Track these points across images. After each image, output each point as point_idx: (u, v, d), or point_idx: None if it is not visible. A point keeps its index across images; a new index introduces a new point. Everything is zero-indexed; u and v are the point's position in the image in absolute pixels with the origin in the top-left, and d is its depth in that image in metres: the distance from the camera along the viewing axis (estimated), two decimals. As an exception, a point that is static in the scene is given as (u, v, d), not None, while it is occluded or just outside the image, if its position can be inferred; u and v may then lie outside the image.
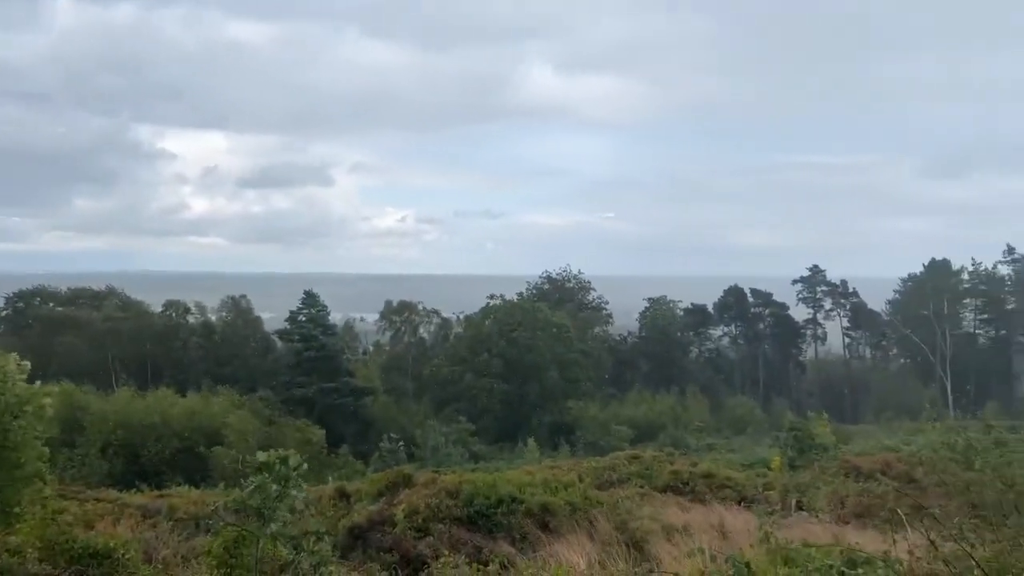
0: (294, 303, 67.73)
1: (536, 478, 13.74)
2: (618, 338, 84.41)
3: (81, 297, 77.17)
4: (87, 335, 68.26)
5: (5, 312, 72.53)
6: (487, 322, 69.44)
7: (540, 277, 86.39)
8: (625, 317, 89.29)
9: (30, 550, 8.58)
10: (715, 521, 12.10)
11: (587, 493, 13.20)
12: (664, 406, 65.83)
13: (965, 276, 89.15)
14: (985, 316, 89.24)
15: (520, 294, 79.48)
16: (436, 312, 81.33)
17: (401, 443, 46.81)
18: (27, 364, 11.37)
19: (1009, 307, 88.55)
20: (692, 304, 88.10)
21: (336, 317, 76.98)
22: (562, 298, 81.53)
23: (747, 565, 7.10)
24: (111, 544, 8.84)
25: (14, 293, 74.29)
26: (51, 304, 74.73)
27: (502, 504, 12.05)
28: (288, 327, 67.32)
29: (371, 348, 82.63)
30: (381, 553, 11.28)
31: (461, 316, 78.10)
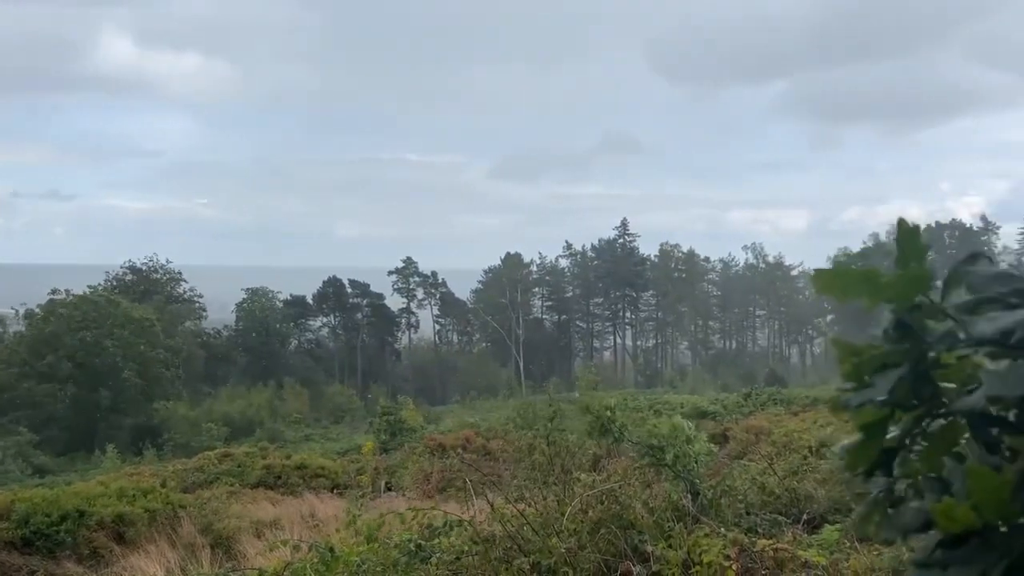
0: None
1: (111, 488, 12.49)
2: (212, 332, 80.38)
3: None
4: None
5: None
6: (52, 318, 61.21)
7: (122, 267, 78.57)
8: (222, 310, 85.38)
9: None
10: (306, 511, 12.15)
11: (170, 498, 12.36)
12: (261, 400, 64.29)
13: (534, 268, 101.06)
14: (550, 303, 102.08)
15: (96, 286, 71.43)
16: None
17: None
18: None
19: (568, 295, 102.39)
20: (291, 295, 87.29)
21: None
22: (148, 290, 75.16)
23: (331, 549, 7.24)
24: None
25: None
26: None
27: (66, 520, 10.76)
28: None
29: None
30: (-98, 598, 9.39)
31: (21, 312, 67.83)
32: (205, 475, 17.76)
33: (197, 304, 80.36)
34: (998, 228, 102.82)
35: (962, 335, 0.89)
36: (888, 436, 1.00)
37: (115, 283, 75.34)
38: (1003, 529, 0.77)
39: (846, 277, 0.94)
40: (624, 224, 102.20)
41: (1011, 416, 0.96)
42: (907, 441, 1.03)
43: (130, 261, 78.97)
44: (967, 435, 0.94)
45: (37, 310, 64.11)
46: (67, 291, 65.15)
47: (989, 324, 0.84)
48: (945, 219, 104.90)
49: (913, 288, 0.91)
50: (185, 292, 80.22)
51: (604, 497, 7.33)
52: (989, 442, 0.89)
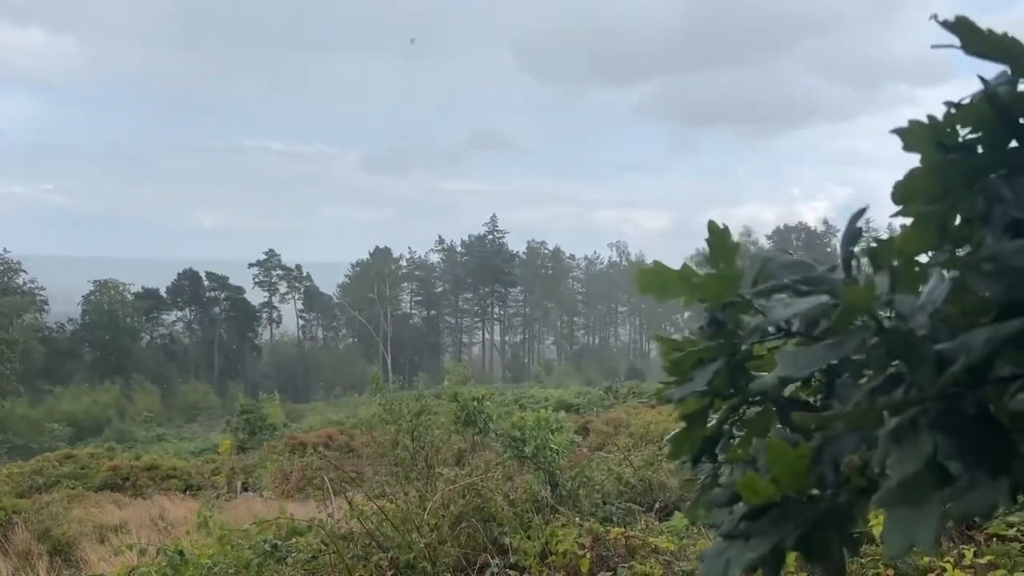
0: None
1: (-68, 494, 11.48)
2: (55, 326, 75.18)
3: None
4: None
5: None
6: None
7: (-49, 256, 72.22)
8: (66, 302, 79.99)
9: None
10: (156, 514, 11.60)
11: (3, 503, 11.49)
12: (109, 398, 60.75)
13: (403, 263, 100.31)
14: (419, 298, 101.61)
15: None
16: None
17: None
18: None
19: (437, 290, 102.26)
20: (144, 288, 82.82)
21: None
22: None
23: (180, 552, 6.95)
24: None
25: None
26: None
27: None
28: None
29: None
30: None
31: None
32: (44, 478, 16.60)
33: (38, 296, 74.90)
34: (838, 231, 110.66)
35: (771, 328, 0.96)
36: (709, 425, 1.07)
37: (-58, 273, 69.16)
38: (799, 500, 0.83)
39: (664, 277, 0.99)
40: (493, 220, 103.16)
41: (811, 399, 1.04)
42: (726, 428, 1.10)
43: (-38, 249, 72.64)
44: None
45: None
46: None
47: (782, 309, 0.91)
48: (793, 222, 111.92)
49: (723, 286, 0.97)
50: (24, 283, 74.61)
51: (466, 491, 7.39)
52: (792, 425, 0.96)
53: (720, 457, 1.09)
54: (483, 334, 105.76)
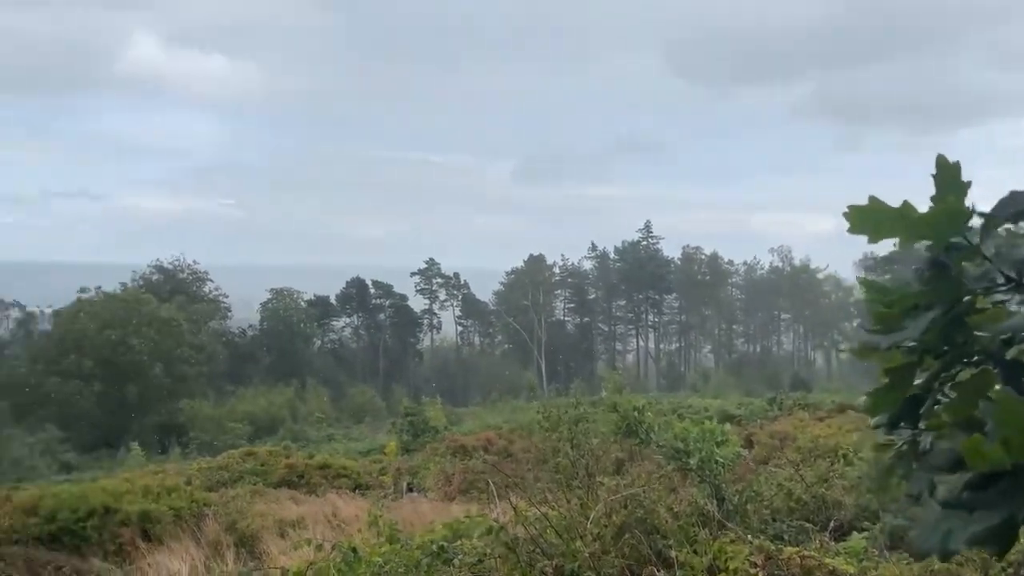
0: None
1: (136, 485, 12.59)
2: (237, 331, 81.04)
3: None
4: None
5: None
6: (81, 316, 62.03)
7: (149, 267, 79.41)
8: (246, 309, 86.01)
9: None
10: (329, 511, 12.18)
11: (195, 496, 12.44)
12: (284, 400, 64.65)
13: (556, 270, 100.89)
14: (572, 305, 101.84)
15: (124, 285, 72.34)
16: (18, 305, 70.71)
17: (-32, 459, 40.01)
18: None
19: (591, 297, 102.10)
20: (315, 295, 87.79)
21: None
22: (175, 290, 75.87)
23: (354, 550, 7.25)
24: None
25: None
26: None
27: (92, 517, 10.86)
28: None
29: (-70, 348, 69.35)
30: (-68, 591, 9.51)
31: (49, 310, 68.80)
32: (229, 474, 17.86)
33: (222, 304, 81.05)
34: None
35: (1000, 279, 0.84)
36: (915, 383, 0.95)
37: (142, 282, 76.16)
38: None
39: (879, 214, 0.90)
40: (647, 226, 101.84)
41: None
42: (935, 388, 0.97)
43: (157, 260, 79.82)
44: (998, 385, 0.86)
45: (65, 308, 65.01)
46: (96, 289, 66.06)
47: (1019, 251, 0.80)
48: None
49: (950, 224, 0.86)
50: (210, 292, 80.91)
51: (628, 501, 7.28)
52: (1021, 389, 0.82)
53: (921, 424, 0.97)
54: (637, 341, 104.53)
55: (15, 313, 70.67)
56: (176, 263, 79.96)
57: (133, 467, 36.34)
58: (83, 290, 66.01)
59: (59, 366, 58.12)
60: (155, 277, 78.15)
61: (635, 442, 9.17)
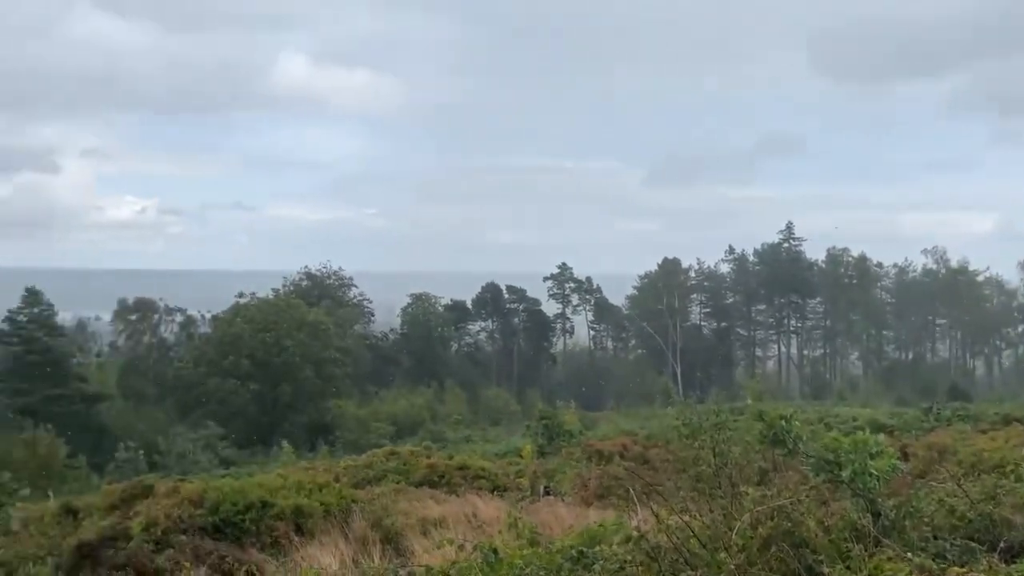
0: (14, 301, 60.38)
1: (289, 480, 13.28)
2: (379, 335, 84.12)
3: None
4: None
5: None
6: (238, 320, 66.13)
7: (299, 273, 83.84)
8: (388, 314, 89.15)
9: None
10: (469, 511, 12.39)
11: (343, 492, 12.98)
12: (424, 401, 66.53)
13: (692, 274, 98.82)
14: (709, 310, 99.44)
15: (276, 290, 76.62)
16: (180, 310, 76.11)
17: (141, 451, 43.42)
18: None
19: (728, 302, 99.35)
20: (452, 300, 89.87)
21: (66, 316, 69.81)
22: (322, 295, 79.68)
23: (495, 551, 7.35)
24: None
25: None
26: None
27: (251, 510, 11.53)
28: (6, 328, 59.93)
29: (106, 350, 75.67)
30: (113, 571, 10.38)
31: (208, 314, 73.73)
32: (374, 472, 18.49)
33: (366, 308, 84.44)
34: None
35: None
36: None
37: (292, 288, 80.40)
38: None
39: None
40: (789, 227, 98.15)
41: None
42: None
43: (306, 267, 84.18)
44: None
45: (223, 313, 69.49)
46: (251, 294, 70.30)
47: None
48: None
49: None
50: (355, 297, 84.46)
51: (775, 513, 7.03)
52: None
53: None
54: (778, 347, 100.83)
55: (178, 318, 76.01)
56: (323, 270, 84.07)
57: (285, 464, 38.30)
58: (240, 295, 70.36)
59: (219, 367, 62.14)
60: (304, 283, 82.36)
61: (781, 452, 8.83)
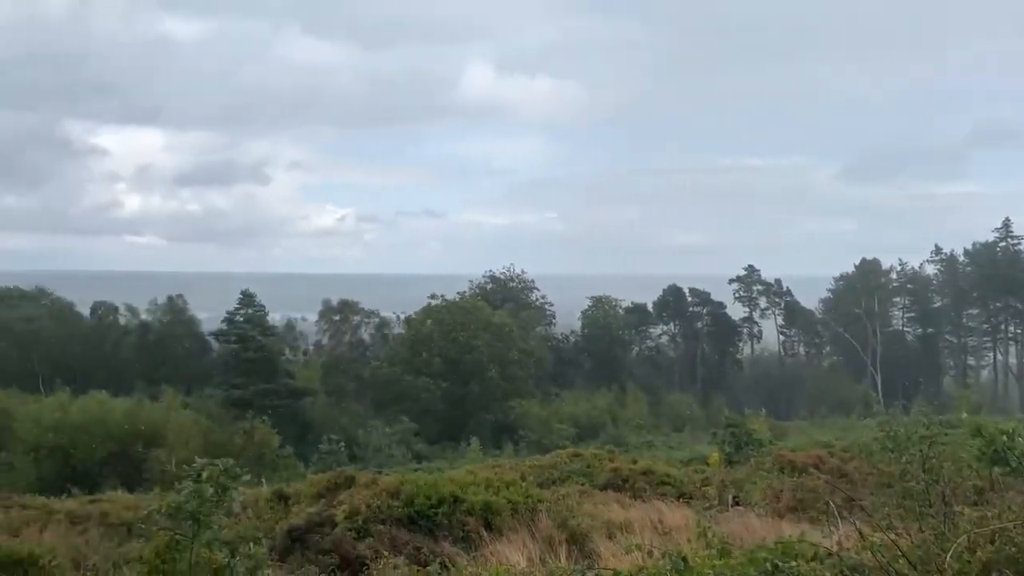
0: (231, 303, 66.43)
1: (478, 477, 13.70)
2: (560, 337, 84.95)
3: (9, 297, 74.41)
4: (9, 338, 65.81)
5: (-77, 313, 69.39)
6: (428, 322, 69.12)
7: (483, 276, 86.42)
8: (568, 316, 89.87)
9: (-52, 560, 8.26)
10: (654, 517, 12.25)
11: (529, 491, 13.22)
12: (604, 403, 66.44)
13: (894, 275, 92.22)
14: (912, 314, 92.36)
15: (462, 293, 79.36)
16: (375, 312, 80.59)
17: (341, 444, 46.29)
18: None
19: (935, 305, 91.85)
20: (633, 303, 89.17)
21: (276, 317, 75.82)
22: (506, 297, 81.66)
23: (684, 559, 7.22)
24: (36, 551, 8.56)
25: (-66, 293, 71.32)
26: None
27: (443, 504, 12.01)
28: (225, 328, 66.01)
29: (311, 349, 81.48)
30: (320, 555, 11.14)
31: (401, 316, 77.59)
32: (558, 472, 18.74)
33: (547, 311, 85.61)
34: None
35: None
36: None
37: (477, 291, 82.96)
38: None
39: None
40: (1006, 225, 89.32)
41: None
42: None
43: (490, 271, 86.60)
44: None
45: (415, 314, 72.86)
46: (442, 296, 73.30)
47: None
48: None
49: None
50: (537, 299, 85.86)
51: (995, 536, 6.43)
52: None
53: None
54: (994, 356, 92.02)
55: (374, 319, 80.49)
56: (506, 273, 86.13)
57: (472, 460, 39.60)
58: (433, 296, 73.53)
59: (411, 365, 65.21)
60: (488, 286, 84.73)
61: (1002, 470, 8.07)
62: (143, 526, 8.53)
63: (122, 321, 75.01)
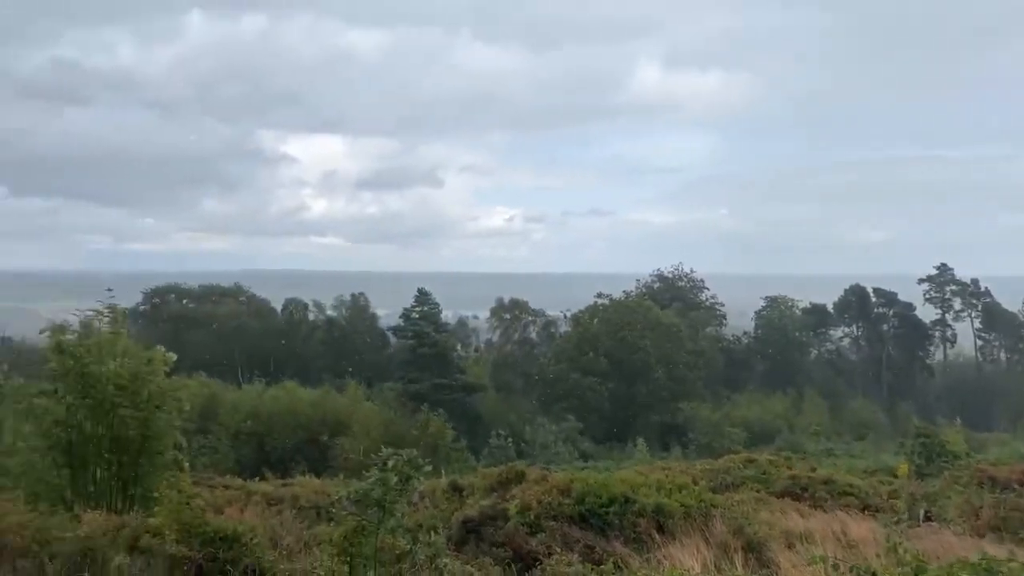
0: (408, 301, 69.41)
1: (649, 479, 13.51)
2: (731, 338, 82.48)
3: (212, 294, 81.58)
4: (215, 331, 72.06)
5: (142, 308, 77.24)
6: (595, 321, 69.14)
7: (651, 275, 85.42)
8: (740, 317, 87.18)
9: (167, 532, 9.12)
10: (837, 529, 11.63)
11: (702, 496, 12.91)
12: (779, 408, 63.85)
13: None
14: None
15: (629, 292, 78.78)
16: (542, 311, 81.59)
17: (509, 439, 47.19)
18: (172, 356, 12.10)
19: None
20: (811, 303, 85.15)
21: (448, 315, 78.46)
22: (674, 297, 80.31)
23: (873, 574, 6.83)
24: (239, 529, 9.28)
25: (150, 290, 79.28)
26: (183, 301, 79.38)
27: (614, 504, 11.94)
28: (402, 324, 69.08)
29: (482, 346, 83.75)
30: (493, 547, 11.39)
31: (568, 314, 78.11)
32: (731, 478, 18.16)
33: (718, 311, 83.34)
34: None
35: None
36: None
37: (644, 290, 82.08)
38: None
39: None
40: None
41: None
42: None
43: (658, 270, 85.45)
44: None
45: (581, 313, 73.11)
46: (608, 296, 73.16)
47: None
48: None
49: None
50: (706, 299, 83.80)
51: None
52: None
53: None
54: None
55: (542, 318, 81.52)
56: (675, 272, 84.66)
57: (639, 461, 39.24)
58: (599, 296, 73.56)
59: (577, 364, 65.52)
60: (656, 285, 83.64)
61: None
62: (333, 510, 9.07)
63: (310, 317, 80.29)
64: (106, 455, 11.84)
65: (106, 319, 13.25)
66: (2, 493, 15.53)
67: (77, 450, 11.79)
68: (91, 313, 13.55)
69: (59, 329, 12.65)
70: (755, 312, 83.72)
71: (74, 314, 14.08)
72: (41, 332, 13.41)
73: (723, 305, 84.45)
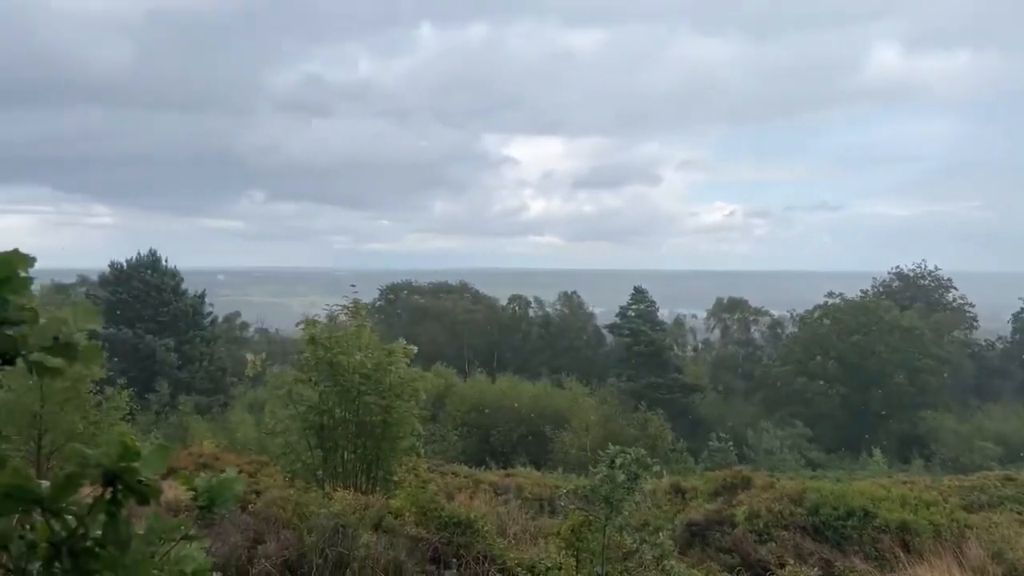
0: (624, 298, 69.31)
1: (891, 492, 12.56)
2: (984, 343, 74.56)
3: (441, 291, 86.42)
4: (445, 324, 76.11)
5: (379, 303, 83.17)
6: (825, 322, 65.21)
7: (889, 273, 79.18)
8: (994, 320, 78.64)
9: (407, 514, 9.73)
10: None
11: (954, 515, 11.80)
12: (1041, 421, 56.81)
13: None
14: None
15: (863, 292, 73.57)
16: (764, 310, 78.22)
17: (730, 443, 45.66)
18: (413, 349, 12.94)
19: None
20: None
21: (664, 313, 77.43)
22: (915, 297, 73.94)
23: None
24: (472, 515, 9.70)
25: (386, 286, 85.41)
26: (416, 297, 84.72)
27: (852, 517, 11.21)
28: (618, 322, 69.09)
29: (700, 345, 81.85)
30: (720, 553, 11.10)
31: (794, 314, 74.28)
32: (986, 496, 16.45)
33: (967, 313, 75.64)
34: None
35: None
36: None
37: (881, 289, 76.30)
38: None
39: None
40: None
41: None
42: None
43: (897, 267, 79.06)
44: None
45: (808, 313, 69.27)
46: (840, 295, 68.81)
47: None
48: None
49: None
50: (954, 300, 76.37)
51: None
52: None
53: None
54: None
55: (766, 318, 78.22)
56: (917, 270, 77.94)
57: (874, 473, 36.52)
58: (831, 295, 69.39)
59: (804, 367, 62.17)
60: (895, 284, 77.46)
61: None
62: (560, 503, 9.24)
63: (531, 313, 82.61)
64: (353, 439, 12.85)
65: (350, 313, 14.38)
66: (265, 469, 17.32)
67: (328, 433, 12.89)
68: (337, 307, 14.75)
69: (311, 323, 13.89)
70: (1012, 315, 75.06)
71: (324, 308, 15.43)
72: (297, 325, 14.79)
73: (973, 306, 76.44)
